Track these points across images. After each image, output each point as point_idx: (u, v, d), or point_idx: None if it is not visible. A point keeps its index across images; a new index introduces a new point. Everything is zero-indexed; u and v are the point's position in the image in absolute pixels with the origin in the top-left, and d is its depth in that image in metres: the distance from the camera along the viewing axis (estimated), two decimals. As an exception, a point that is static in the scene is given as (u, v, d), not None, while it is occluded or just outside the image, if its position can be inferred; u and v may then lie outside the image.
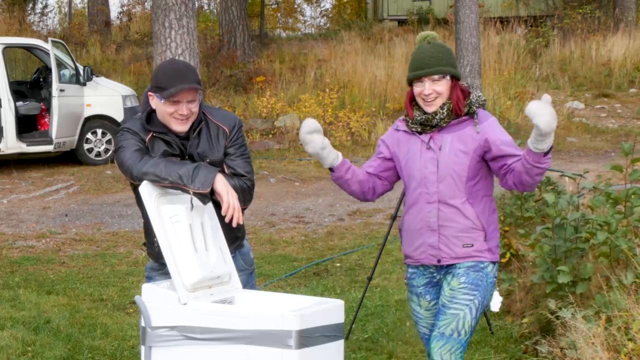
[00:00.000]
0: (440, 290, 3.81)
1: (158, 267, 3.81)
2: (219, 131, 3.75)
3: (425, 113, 3.75)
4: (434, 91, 3.71)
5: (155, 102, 3.66)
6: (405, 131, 3.84)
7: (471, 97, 3.76)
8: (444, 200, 3.72)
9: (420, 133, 3.79)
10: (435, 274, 3.83)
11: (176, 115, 3.64)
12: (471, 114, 3.74)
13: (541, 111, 3.34)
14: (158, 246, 3.52)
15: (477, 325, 3.81)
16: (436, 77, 3.70)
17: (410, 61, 3.79)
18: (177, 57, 11.95)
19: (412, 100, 3.81)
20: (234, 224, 3.56)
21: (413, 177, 3.80)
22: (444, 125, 3.74)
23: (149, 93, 3.68)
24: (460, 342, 3.71)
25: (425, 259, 3.80)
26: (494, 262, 3.77)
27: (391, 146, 3.89)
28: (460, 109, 3.72)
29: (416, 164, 3.78)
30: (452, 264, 3.75)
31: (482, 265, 3.73)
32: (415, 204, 3.80)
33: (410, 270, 3.91)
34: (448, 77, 3.73)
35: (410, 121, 3.80)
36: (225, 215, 3.54)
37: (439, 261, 3.76)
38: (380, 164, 3.91)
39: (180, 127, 3.68)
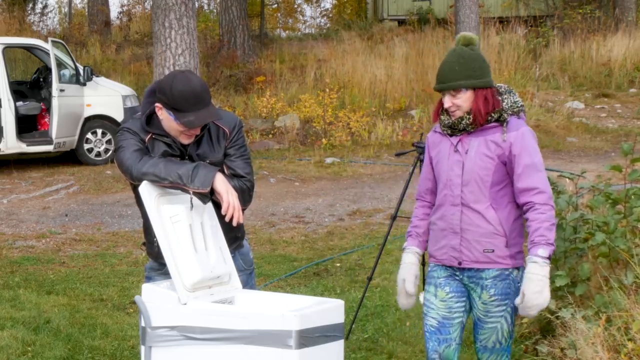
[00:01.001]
0: (471, 301, 3.84)
1: (157, 267, 3.81)
2: (219, 132, 3.74)
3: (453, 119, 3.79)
4: (453, 104, 3.72)
5: (164, 115, 3.61)
6: (440, 132, 3.88)
7: (503, 105, 3.73)
8: (468, 204, 3.73)
9: (451, 135, 3.80)
10: (457, 272, 3.84)
11: (187, 133, 3.64)
12: (501, 121, 3.72)
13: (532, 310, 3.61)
14: (158, 246, 3.52)
15: (514, 327, 3.89)
16: (453, 91, 3.70)
17: (438, 69, 3.79)
18: (177, 57, 11.96)
19: (440, 108, 3.83)
20: (234, 223, 3.56)
21: (440, 178, 3.83)
22: (472, 130, 3.74)
23: (158, 105, 3.61)
24: (504, 349, 3.83)
25: (447, 260, 3.82)
26: (517, 268, 3.78)
27: (430, 149, 3.93)
28: (480, 121, 3.70)
29: (444, 165, 3.81)
30: (475, 269, 3.77)
31: (507, 273, 3.75)
32: (441, 205, 3.82)
33: (432, 264, 3.94)
34: (467, 90, 3.71)
35: (441, 124, 3.83)
36: (225, 215, 3.55)
37: (459, 264, 3.78)
38: (431, 171, 3.94)
39: (188, 141, 3.68)
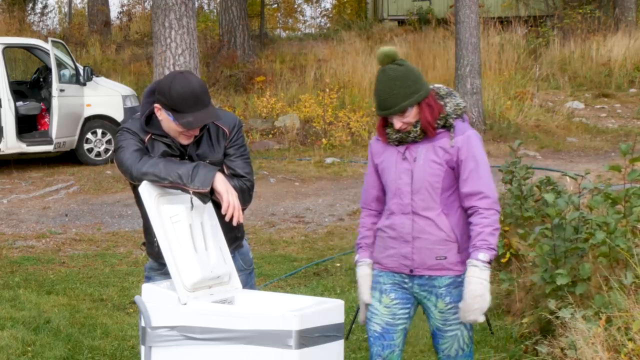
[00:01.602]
0: (427, 312, 3.82)
1: (157, 267, 3.81)
2: (218, 132, 3.74)
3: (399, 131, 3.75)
4: (403, 123, 3.68)
5: (164, 116, 3.61)
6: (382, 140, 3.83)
7: (447, 109, 3.70)
8: (418, 211, 3.70)
9: (397, 144, 3.77)
10: (406, 280, 3.79)
11: (186, 134, 3.64)
12: (447, 127, 3.70)
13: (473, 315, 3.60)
14: (158, 246, 3.52)
15: (473, 329, 3.87)
16: (400, 113, 3.66)
17: (374, 94, 3.73)
18: (177, 57, 11.96)
19: (384, 124, 3.78)
20: (235, 223, 3.56)
21: (388, 187, 3.79)
22: (420, 139, 3.71)
23: (157, 106, 3.61)
24: (467, 355, 3.81)
25: (397, 267, 3.78)
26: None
27: (374, 157, 3.88)
28: (432, 131, 3.67)
29: (391, 174, 3.77)
30: (427, 276, 3.74)
31: (459, 280, 3.71)
32: (392, 214, 3.77)
33: (377, 270, 3.88)
34: (412, 107, 3.67)
35: (388, 136, 3.78)
36: (225, 215, 3.55)
37: (411, 271, 3.75)
38: (376, 178, 3.89)
39: (187, 142, 3.68)
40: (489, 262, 3.61)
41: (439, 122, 3.69)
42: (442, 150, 3.68)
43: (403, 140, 3.73)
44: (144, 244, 3.91)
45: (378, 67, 3.75)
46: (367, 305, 3.88)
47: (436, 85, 3.82)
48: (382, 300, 3.83)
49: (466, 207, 3.69)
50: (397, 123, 3.68)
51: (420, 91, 3.66)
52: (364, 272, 3.90)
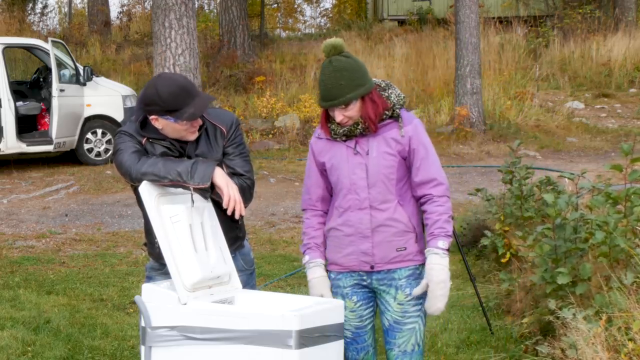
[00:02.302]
0: (383, 305, 3.74)
1: (158, 267, 3.81)
2: (216, 131, 3.74)
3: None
4: (345, 116, 3.63)
5: (163, 123, 3.60)
6: (327, 139, 3.75)
7: (392, 99, 3.66)
8: (376, 205, 3.65)
9: (345, 140, 3.71)
10: (365, 277, 3.73)
11: (191, 129, 3.64)
12: (395, 117, 3.66)
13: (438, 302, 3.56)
14: (159, 247, 3.52)
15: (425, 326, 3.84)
16: (343, 106, 3.61)
17: (319, 85, 3.68)
18: (177, 57, 11.96)
19: (327, 119, 3.72)
20: (237, 216, 3.55)
21: (342, 183, 3.70)
22: (368, 132, 3.66)
23: (153, 117, 3.59)
24: (420, 353, 3.75)
25: (356, 265, 3.71)
26: (424, 264, 3.69)
27: (319, 156, 3.79)
28: (373, 127, 3.62)
29: (343, 170, 3.69)
30: (386, 270, 3.69)
31: (418, 272, 3.69)
32: (345, 210, 3.69)
33: (334, 273, 3.81)
34: (356, 101, 3.60)
35: (332, 132, 3.71)
36: (226, 214, 3.55)
37: (372, 267, 3.69)
38: (320, 178, 3.81)
39: (194, 136, 3.68)
40: (447, 250, 3.61)
41: (387, 112, 3.65)
42: (393, 141, 3.64)
43: (351, 133, 3.66)
44: (145, 244, 3.91)
45: (323, 59, 3.68)
46: None
47: (374, 79, 3.74)
48: (347, 306, 3.74)
49: (419, 196, 3.66)
50: (339, 116, 3.61)
51: (366, 85, 3.61)
52: (319, 274, 3.79)
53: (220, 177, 3.53)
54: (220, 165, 3.64)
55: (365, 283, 3.75)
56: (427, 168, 3.64)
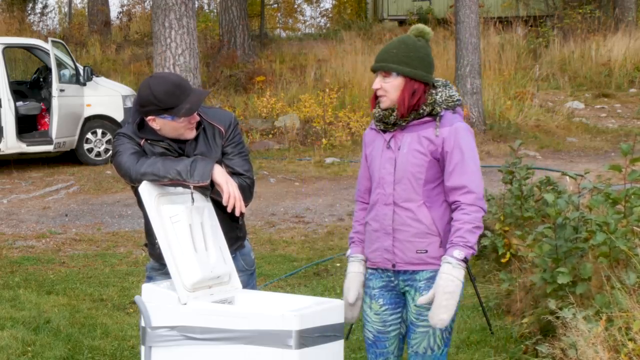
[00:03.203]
0: (405, 304, 3.68)
1: (159, 267, 3.81)
2: (214, 131, 3.74)
3: (382, 110, 3.62)
4: (382, 87, 3.56)
5: (160, 122, 3.60)
6: (375, 129, 3.71)
7: (437, 98, 3.56)
8: (399, 202, 3.56)
9: (384, 132, 3.66)
10: (392, 278, 3.66)
11: (189, 126, 3.64)
12: (434, 116, 3.56)
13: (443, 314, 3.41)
14: (159, 247, 3.52)
15: (452, 333, 3.70)
16: (384, 73, 3.54)
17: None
18: (177, 57, 11.96)
19: (376, 97, 3.67)
20: (237, 213, 3.55)
21: (373, 177, 3.66)
22: (404, 124, 3.58)
23: (150, 118, 3.60)
24: (436, 357, 3.63)
25: (381, 262, 3.64)
26: None
27: (367, 146, 3.77)
28: (402, 111, 3.55)
29: (376, 163, 3.64)
30: (410, 271, 3.60)
31: None
32: (374, 204, 3.64)
33: (369, 271, 3.76)
34: (397, 76, 3.54)
35: (375, 119, 3.66)
36: (225, 214, 3.55)
37: (393, 266, 3.61)
38: (367, 169, 3.77)
39: (193, 133, 3.68)
40: (464, 261, 3.44)
41: (424, 107, 3.55)
42: (426, 140, 3.54)
43: (386, 121, 3.60)
44: (145, 245, 3.91)
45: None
46: (350, 304, 3.73)
47: (436, 78, 3.68)
48: (372, 307, 3.72)
49: (450, 202, 3.54)
50: (377, 83, 3.56)
51: (416, 70, 3.54)
52: (354, 269, 3.75)
53: (220, 174, 3.53)
54: (219, 162, 3.65)
55: (393, 284, 3.67)
56: (460, 174, 3.50)
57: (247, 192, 3.70)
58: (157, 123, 3.62)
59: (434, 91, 3.59)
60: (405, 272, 3.63)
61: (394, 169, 3.58)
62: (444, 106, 3.57)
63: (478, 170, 3.56)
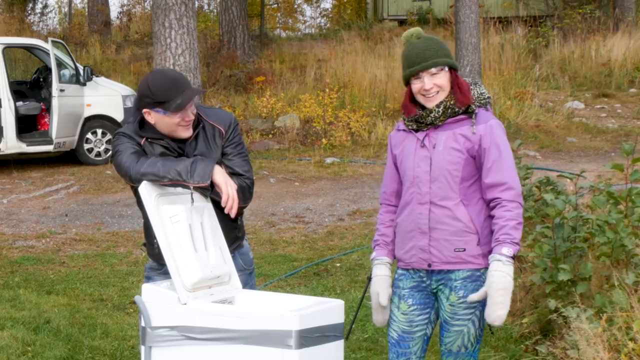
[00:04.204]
0: (439, 303, 3.66)
1: (157, 267, 3.81)
2: (215, 131, 3.74)
3: (423, 108, 3.60)
4: (435, 85, 3.53)
5: (155, 117, 3.62)
6: (403, 130, 3.69)
7: (472, 94, 3.58)
8: (436, 201, 3.54)
9: (416, 131, 3.63)
10: (425, 279, 3.64)
11: (182, 123, 3.64)
12: (469, 113, 3.56)
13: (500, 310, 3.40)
14: (158, 247, 3.52)
15: (483, 331, 3.69)
16: (434, 70, 3.53)
17: (403, 59, 3.56)
18: (177, 57, 11.96)
19: (411, 100, 3.63)
20: (232, 215, 3.56)
21: (406, 176, 3.63)
22: (440, 123, 3.57)
23: (145, 110, 3.62)
24: (469, 354, 3.63)
25: (415, 262, 3.61)
26: (485, 269, 3.55)
27: (394, 147, 3.74)
28: (466, 99, 3.53)
29: (409, 162, 3.61)
30: (445, 270, 3.58)
31: (478, 274, 3.55)
32: (407, 204, 3.61)
33: (399, 271, 3.75)
34: (446, 69, 3.54)
35: (406, 119, 3.64)
36: (224, 214, 3.55)
37: (429, 265, 3.58)
38: (395, 171, 3.75)
39: (188, 133, 3.68)
40: (513, 257, 3.43)
41: (460, 107, 3.56)
42: (462, 137, 3.52)
43: (421, 121, 3.58)
44: (144, 244, 3.91)
45: (402, 47, 3.64)
46: (385, 309, 3.71)
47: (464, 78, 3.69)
48: (400, 307, 3.70)
49: (488, 199, 3.52)
50: (428, 82, 3.52)
51: (453, 59, 3.56)
52: (381, 272, 3.73)
53: (220, 175, 3.54)
54: (219, 163, 3.65)
55: (425, 284, 3.65)
56: (498, 170, 3.49)
57: (246, 192, 3.71)
58: (152, 117, 3.63)
59: None
60: (439, 271, 3.60)
61: (430, 167, 3.56)
62: (477, 104, 3.59)
63: (514, 167, 3.57)
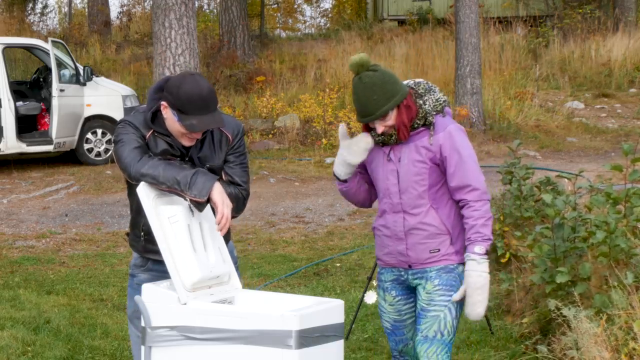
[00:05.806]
0: (416, 294, 3.87)
1: (141, 263, 3.82)
2: (222, 137, 3.73)
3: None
4: (386, 126, 3.73)
5: (169, 114, 3.59)
6: None
7: (426, 107, 3.74)
8: (408, 210, 3.78)
9: (382, 145, 3.83)
10: (402, 274, 3.87)
11: (188, 136, 3.62)
12: (428, 125, 3.75)
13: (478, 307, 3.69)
14: (144, 240, 3.53)
15: (458, 325, 3.85)
16: (381, 118, 3.72)
17: (354, 103, 3.78)
18: (177, 57, 11.96)
19: (368, 128, 3.84)
20: (222, 234, 3.59)
21: (379, 187, 3.87)
22: (401, 141, 3.77)
23: (163, 104, 3.58)
24: (445, 343, 3.77)
25: (396, 263, 3.86)
26: (463, 263, 3.78)
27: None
28: (405, 133, 3.72)
29: (379, 174, 3.84)
30: (421, 269, 3.81)
31: (452, 267, 3.78)
32: (384, 213, 3.86)
33: (380, 265, 3.99)
34: (391, 111, 3.72)
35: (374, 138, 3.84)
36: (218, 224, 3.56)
37: (409, 266, 3.83)
38: (364, 175, 3.97)
39: (189, 144, 3.67)
40: (486, 253, 3.68)
41: (417, 121, 3.74)
42: (424, 149, 3.74)
43: (386, 142, 3.80)
44: (127, 234, 3.90)
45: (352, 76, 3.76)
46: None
47: (417, 80, 3.86)
48: (386, 299, 3.94)
49: (456, 200, 3.76)
50: (380, 127, 3.73)
51: (399, 94, 3.71)
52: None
53: (218, 194, 3.50)
54: (220, 179, 3.63)
55: (402, 279, 3.88)
56: (461, 174, 3.72)
57: (240, 203, 3.72)
58: (166, 112, 3.60)
59: (421, 101, 3.76)
60: (416, 269, 3.84)
61: (398, 180, 3.79)
62: (433, 113, 3.76)
63: (477, 166, 3.77)
